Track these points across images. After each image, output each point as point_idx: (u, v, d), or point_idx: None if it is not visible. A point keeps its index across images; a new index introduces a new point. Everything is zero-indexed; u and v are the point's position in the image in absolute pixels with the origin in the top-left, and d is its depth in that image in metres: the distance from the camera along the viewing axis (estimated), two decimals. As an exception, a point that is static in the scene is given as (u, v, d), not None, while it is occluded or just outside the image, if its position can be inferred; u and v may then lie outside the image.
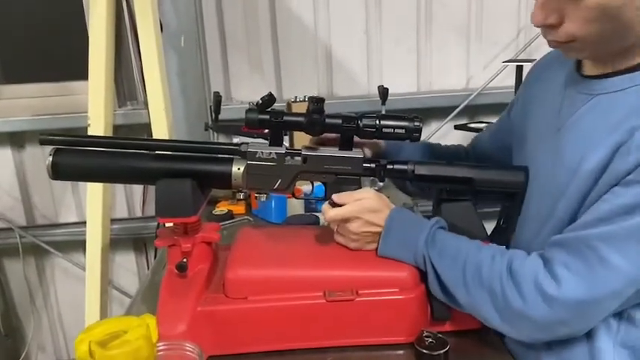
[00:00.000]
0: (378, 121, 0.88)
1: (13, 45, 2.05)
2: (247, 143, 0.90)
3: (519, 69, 1.81)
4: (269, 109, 0.89)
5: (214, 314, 0.85)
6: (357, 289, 0.87)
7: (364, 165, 0.91)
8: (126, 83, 2.08)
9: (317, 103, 0.88)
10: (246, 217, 1.47)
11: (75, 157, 0.89)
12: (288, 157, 0.90)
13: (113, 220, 1.95)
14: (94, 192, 1.73)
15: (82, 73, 1.78)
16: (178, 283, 0.89)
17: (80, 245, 1.98)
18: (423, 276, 0.89)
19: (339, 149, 0.91)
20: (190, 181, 0.87)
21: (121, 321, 0.65)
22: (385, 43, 2.10)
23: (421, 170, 0.91)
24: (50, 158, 0.88)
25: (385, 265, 0.90)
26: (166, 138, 1.85)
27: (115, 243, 2.06)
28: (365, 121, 0.88)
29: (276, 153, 0.90)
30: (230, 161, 0.90)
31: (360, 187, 0.92)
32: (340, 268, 0.89)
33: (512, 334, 0.80)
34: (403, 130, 0.88)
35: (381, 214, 0.89)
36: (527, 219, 0.88)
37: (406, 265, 0.89)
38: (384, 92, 1.74)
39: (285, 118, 0.89)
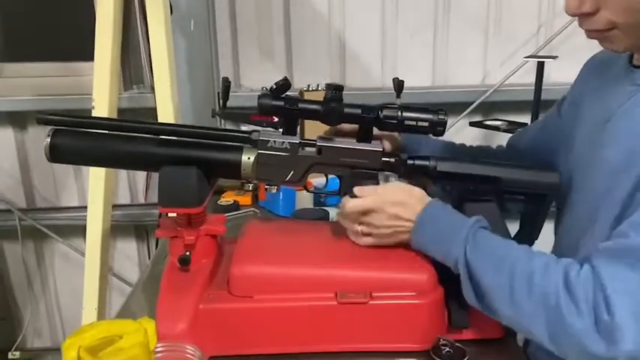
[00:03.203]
0: (400, 113, 0.82)
1: (16, 22, 2.00)
2: (259, 131, 0.85)
3: (540, 66, 1.74)
4: (284, 95, 0.83)
5: (217, 313, 0.79)
6: (371, 291, 0.82)
7: (383, 159, 0.85)
8: (133, 66, 2.02)
9: (335, 90, 0.82)
10: (252, 208, 1.42)
11: (75, 139, 0.84)
12: (302, 148, 0.85)
13: (115, 206, 1.90)
14: (96, 176, 1.68)
15: (87, 54, 1.72)
16: (180, 278, 0.83)
17: (80, 230, 1.93)
18: (443, 278, 0.83)
19: (357, 141, 0.85)
20: (196, 169, 0.81)
21: (116, 324, 0.59)
22: (401, 35, 2.03)
23: (444, 167, 0.85)
24: (48, 139, 0.82)
25: (402, 266, 0.84)
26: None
27: (116, 229, 2.01)
28: (386, 112, 0.82)
29: (289, 143, 0.84)
30: (240, 150, 0.84)
31: (378, 183, 0.87)
32: (354, 267, 0.83)
33: (559, 353, 0.71)
34: (427, 123, 0.82)
35: (412, 209, 0.81)
36: (570, 226, 0.82)
37: (425, 267, 0.84)
38: (399, 85, 1.67)
39: (301, 105, 0.83)
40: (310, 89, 1.49)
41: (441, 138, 0.95)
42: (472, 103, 2.00)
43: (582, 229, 0.77)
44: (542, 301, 0.69)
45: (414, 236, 0.82)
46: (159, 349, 0.61)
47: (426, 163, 0.85)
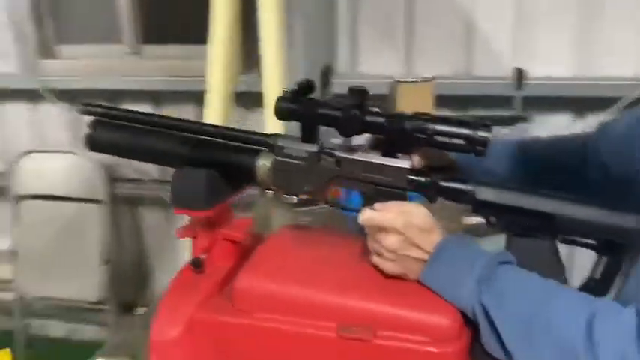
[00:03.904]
0: (430, 125, 0.69)
1: (155, 5, 2.15)
2: (278, 135, 0.78)
3: None
4: (304, 98, 0.75)
5: (212, 324, 0.76)
6: (379, 327, 0.71)
7: (410, 177, 0.73)
8: (254, 48, 2.06)
9: (357, 95, 0.72)
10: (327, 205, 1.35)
11: (110, 131, 0.85)
12: (321, 158, 0.76)
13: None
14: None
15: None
16: (190, 281, 0.81)
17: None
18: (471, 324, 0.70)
19: (383, 155, 0.74)
20: (206, 171, 0.77)
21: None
22: (541, 15, 1.75)
23: (484, 195, 0.69)
24: (87, 130, 0.85)
25: (421, 303, 0.72)
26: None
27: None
28: (413, 123, 0.69)
29: (306, 151, 0.76)
30: (257, 154, 0.78)
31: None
32: (363, 297, 0.73)
33: None
34: (462, 141, 0.67)
35: (431, 236, 0.71)
36: None
37: (450, 309, 0.71)
38: (519, 75, 1.45)
39: (320, 110, 0.74)
40: (405, 80, 1.35)
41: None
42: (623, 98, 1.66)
43: None
44: (559, 352, 0.58)
45: (427, 269, 0.71)
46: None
47: (462, 187, 0.71)
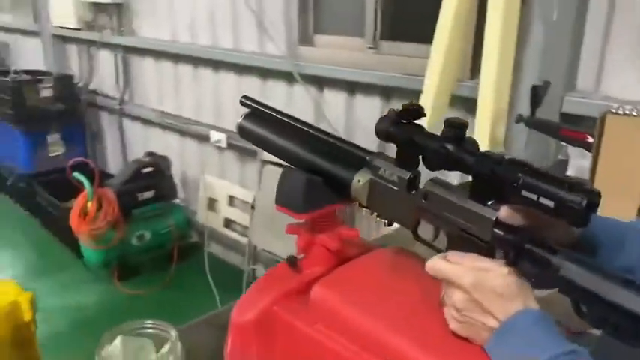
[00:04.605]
0: (520, 175, 0.57)
1: (399, 3, 2.19)
2: (379, 154, 0.75)
3: None
4: (405, 122, 0.70)
5: (280, 319, 0.79)
6: (423, 383, 0.64)
7: (494, 230, 0.62)
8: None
9: (454, 128, 0.64)
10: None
11: (255, 124, 0.93)
12: (411, 187, 0.70)
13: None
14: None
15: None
16: (282, 275, 0.86)
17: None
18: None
19: (470, 197, 0.65)
20: (308, 177, 0.80)
21: None
22: None
23: (571, 273, 0.55)
24: (240, 119, 0.95)
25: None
26: (487, 121, 1.68)
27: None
28: (501, 170, 0.59)
29: (398, 177, 0.71)
30: (356, 170, 0.77)
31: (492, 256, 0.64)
32: (419, 345, 0.67)
33: None
34: (551, 202, 0.55)
35: (506, 304, 0.61)
36: None
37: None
38: None
39: (415, 137, 0.68)
40: (619, 112, 1.11)
41: None
42: None
43: None
44: None
45: (492, 339, 0.61)
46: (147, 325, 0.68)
47: (549, 256, 0.57)
